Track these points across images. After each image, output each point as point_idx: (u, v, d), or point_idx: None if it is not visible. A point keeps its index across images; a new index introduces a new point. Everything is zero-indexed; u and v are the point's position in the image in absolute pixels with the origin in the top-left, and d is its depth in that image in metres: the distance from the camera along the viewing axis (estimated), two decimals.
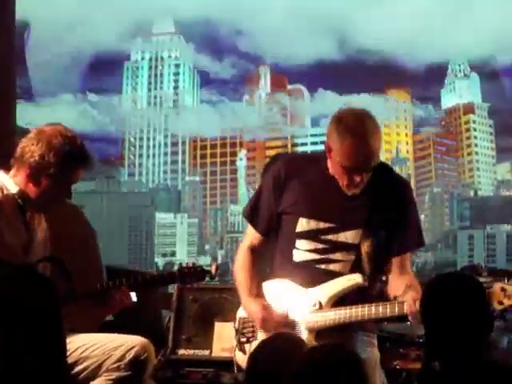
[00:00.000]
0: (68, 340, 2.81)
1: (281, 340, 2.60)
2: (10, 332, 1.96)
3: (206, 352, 4.08)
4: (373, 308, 2.83)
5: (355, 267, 2.92)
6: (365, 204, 2.91)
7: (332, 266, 2.93)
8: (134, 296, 3.24)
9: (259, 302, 2.99)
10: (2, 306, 1.98)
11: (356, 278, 2.90)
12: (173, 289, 4.25)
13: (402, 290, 2.89)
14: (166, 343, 4.11)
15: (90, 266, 4.01)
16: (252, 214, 3.12)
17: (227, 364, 3.49)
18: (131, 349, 3.13)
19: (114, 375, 3.11)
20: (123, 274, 3.28)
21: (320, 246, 2.94)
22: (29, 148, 3.04)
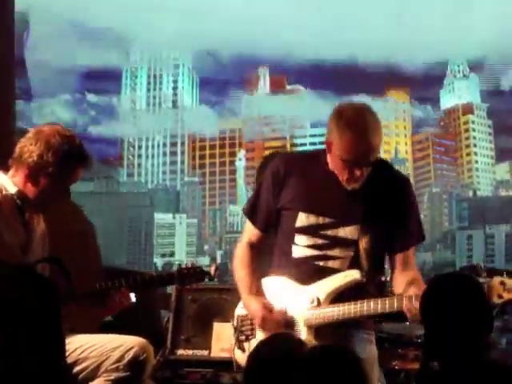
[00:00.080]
0: (67, 340, 2.82)
1: (280, 340, 2.60)
2: (9, 332, 1.96)
3: (205, 352, 4.08)
4: (371, 304, 2.82)
5: (353, 264, 2.92)
6: (364, 199, 2.91)
7: (330, 263, 2.93)
8: (133, 296, 3.25)
9: (260, 300, 2.99)
10: (2, 306, 1.98)
11: (354, 275, 2.89)
12: (172, 289, 4.25)
13: (404, 287, 2.89)
14: (165, 343, 4.11)
15: (90, 264, 4.02)
16: (251, 210, 3.12)
17: (226, 364, 3.49)
18: (130, 349, 3.13)
19: (113, 376, 3.11)
20: (122, 275, 3.28)
21: (319, 241, 2.94)
22: (27, 148, 3.04)
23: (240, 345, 3.06)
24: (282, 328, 2.93)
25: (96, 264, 4.12)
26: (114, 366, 3.11)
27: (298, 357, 2.31)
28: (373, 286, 2.98)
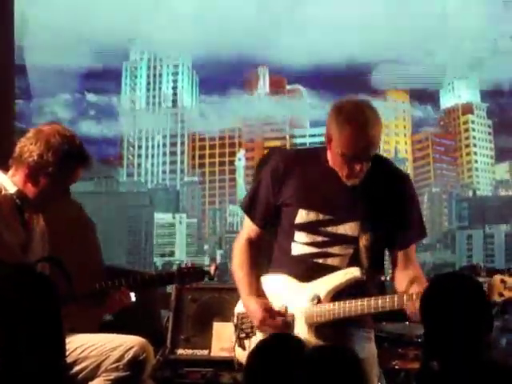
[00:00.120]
0: (67, 340, 2.81)
1: (280, 340, 2.60)
2: (9, 332, 1.96)
3: (205, 352, 4.08)
4: (372, 301, 2.82)
5: (353, 261, 2.92)
6: (364, 195, 2.90)
7: (330, 261, 2.93)
8: (132, 296, 3.25)
9: (259, 301, 2.98)
10: (2, 306, 1.98)
11: (354, 272, 2.89)
12: (171, 289, 4.25)
13: (406, 284, 2.89)
14: (165, 343, 4.11)
15: (90, 259, 4.02)
16: (250, 206, 3.11)
17: (226, 364, 3.49)
18: (130, 349, 3.13)
19: (113, 375, 3.12)
20: (122, 274, 3.28)
21: (319, 238, 2.94)
22: (27, 148, 3.04)
23: (240, 342, 3.05)
24: (280, 330, 2.92)
25: (96, 258, 4.12)
26: (113, 365, 3.12)
27: (298, 357, 2.31)
28: (373, 283, 2.98)
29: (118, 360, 3.12)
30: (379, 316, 3.01)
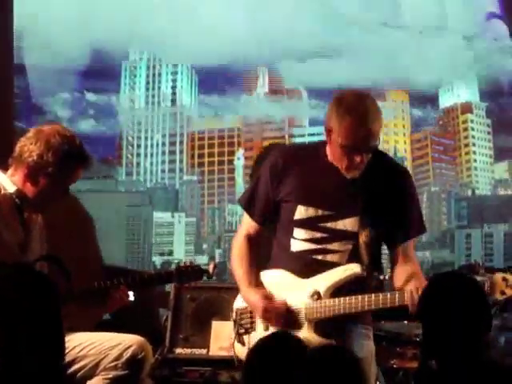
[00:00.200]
0: (66, 339, 2.81)
1: (279, 340, 2.60)
2: (9, 332, 1.96)
3: (204, 351, 4.07)
4: (372, 298, 2.81)
5: (352, 257, 2.90)
6: (364, 189, 2.89)
7: (329, 257, 2.92)
8: (131, 295, 3.25)
9: (259, 291, 2.97)
10: (1, 306, 1.98)
11: (354, 268, 2.88)
12: (170, 287, 4.24)
13: (403, 280, 2.89)
14: (164, 342, 4.10)
15: (89, 253, 4.02)
16: (249, 202, 3.10)
17: (225, 363, 3.49)
18: (128, 348, 3.13)
19: (111, 374, 3.11)
20: (121, 274, 3.28)
21: (318, 234, 2.92)
22: (27, 147, 3.04)
23: (240, 338, 3.04)
24: (284, 317, 2.91)
25: (95, 252, 4.12)
26: (112, 364, 3.11)
27: (298, 356, 2.31)
28: (373, 279, 2.97)
29: (117, 359, 3.11)
30: (378, 314, 3.01)
